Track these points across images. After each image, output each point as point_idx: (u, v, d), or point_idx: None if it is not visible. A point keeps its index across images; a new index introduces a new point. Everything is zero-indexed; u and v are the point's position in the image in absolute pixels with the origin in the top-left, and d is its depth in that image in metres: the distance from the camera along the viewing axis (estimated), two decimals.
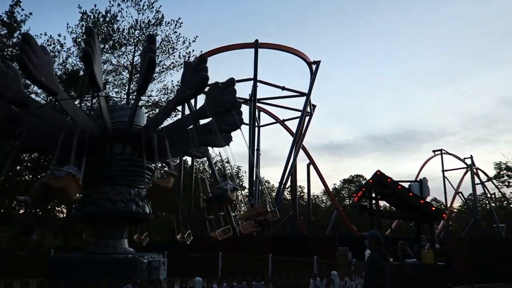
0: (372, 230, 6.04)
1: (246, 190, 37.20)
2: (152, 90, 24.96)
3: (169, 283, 5.08)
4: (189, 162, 30.03)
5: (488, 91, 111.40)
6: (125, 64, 22.60)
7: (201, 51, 24.54)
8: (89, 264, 8.28)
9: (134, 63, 22.07)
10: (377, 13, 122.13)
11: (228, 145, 9.63)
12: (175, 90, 21.87)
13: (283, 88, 26.12)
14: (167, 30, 23.00)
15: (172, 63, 23.16)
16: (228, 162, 42.34)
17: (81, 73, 19.82)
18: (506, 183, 35.93)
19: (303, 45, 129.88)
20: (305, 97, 26.58)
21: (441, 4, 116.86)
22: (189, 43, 22.79)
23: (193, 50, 23.34)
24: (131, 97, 21.28)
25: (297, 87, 27.06)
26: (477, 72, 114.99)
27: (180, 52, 22.91)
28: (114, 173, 9.39)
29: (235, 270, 13.81)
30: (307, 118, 27.29)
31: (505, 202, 42.31)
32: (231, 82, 9.79)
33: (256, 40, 25.04)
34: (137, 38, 22.19)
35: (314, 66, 27.15)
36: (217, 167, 36.64)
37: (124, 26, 22.91)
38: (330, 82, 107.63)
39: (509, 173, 35.09)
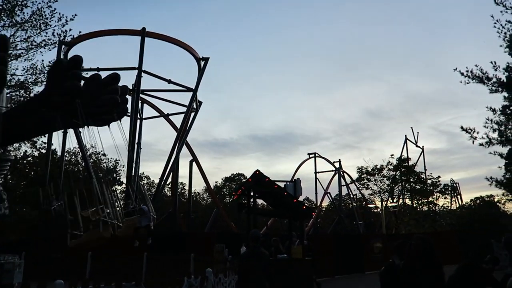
0: (253, 229, 6.37)
1: (123, 186, 35.41)
2: (17, 68, 22.09)
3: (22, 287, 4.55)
4: (58, 153, 27.36)
5: (356, 102, 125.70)
6: None
7: (80, 32, 22.60)
8: None
9: None
10: (264, 17, 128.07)
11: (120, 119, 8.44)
12: (46, 72, 19.67)
13: (169, 81, 25.53)
14: (39, 3, 20.58)
15: (44, 40, 20.78)
16: (104, 154, 39.83)
17: None
18: (365, 186, 41.07)
19: (193, 39, 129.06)
20: (191, 93, 26.43)
21: (323, 17, 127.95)
22: (66, 20, 20.72)
23: (70, 29, 21.28)
24: None
25: (184, 81, 26.85)
26: (348, 83, 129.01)
27: (54, 30, 20.67)
28: None
29: (107, 271, 13.03)
30: (192, 114, 27.15)
31: (364, 202, 48.19)
32: (115, 78, 8.56)
33: (143, 28, 24.03)
34: (0, 7, 19.34)
35: (202, 63, 27.19)
36: (91, 160, 34.04)
37: None
38: (217, 80, 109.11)
39: (369, 176, 40.18)
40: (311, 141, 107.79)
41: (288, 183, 16.45)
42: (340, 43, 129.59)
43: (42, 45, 20.64)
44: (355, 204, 48.62)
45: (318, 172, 45.86)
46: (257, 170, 12.30)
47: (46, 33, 20.61)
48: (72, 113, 6.61)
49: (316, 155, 46.57)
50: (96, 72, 8.84)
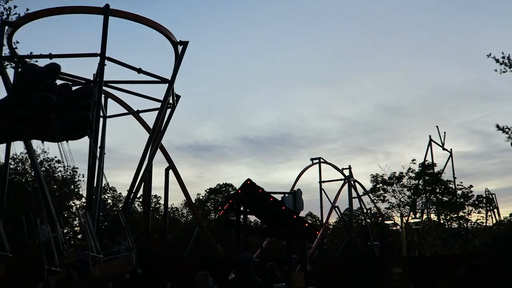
0: (243, 252, 6.43)
1: (83, 200, 35.30)
2: None
3: None
4: (1, 159, 27.25)
5: (368, 96, 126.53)
6: None
7: (27, 9, 22.55)
8: None
9: None
10: None
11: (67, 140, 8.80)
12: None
13: (139, 71, 25.51)
14: None
15: None
16: (59, 161, 39.65)
17: None
18: (382, 198, 41.33)
19: (168, 20, 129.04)
20: (167, 85, 26.46)
21: None
22: None
23: (15, 6, 21.22)
24: None
25: (157, 71, 26.90)
26: (358, 73, 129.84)
27: None
28: None
29: None
30: (168, 110, 27.18)
31: (380, 218, 48.45)
32: (89, 90, 8.81)
33: (107, 5, 24.01)
34: None
35: (180, 48, 27.24)
36: (43, 168, 33.91)
37: None
38: (199, 69, 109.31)
39: (385, 186, 40.44)
40: (314, 144, 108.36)
41: (286, 195, 16.53)
42: (349, 24, 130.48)
43: None
44: (369, 220, 48.91)
45: (323, 182, 46.13)
46: (248, 180, 12.36)
47: None
48: (37, 128, 6.79)
49: (321, 160, 46.76)
50: (66, 82, 8.89)
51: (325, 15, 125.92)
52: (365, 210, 48.88)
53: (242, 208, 12.63)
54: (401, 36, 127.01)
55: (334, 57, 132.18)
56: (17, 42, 23.70)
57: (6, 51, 24.06)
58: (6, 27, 23.30)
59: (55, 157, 34.85)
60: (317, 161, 46.52)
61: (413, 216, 39.29)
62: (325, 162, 47.29)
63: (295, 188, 32.71)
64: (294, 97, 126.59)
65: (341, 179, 47.04)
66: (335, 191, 49.06)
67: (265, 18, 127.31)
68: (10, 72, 23.57)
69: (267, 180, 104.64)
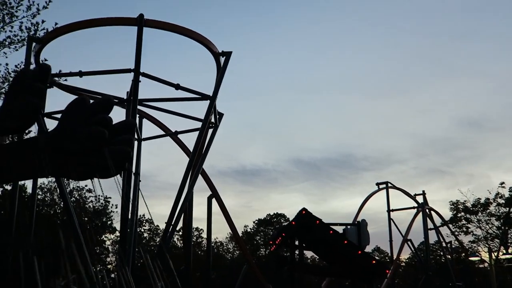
0: None
1: (117, 234, 36.02)
2: None
3: None
4: (29, 189, 28.33)
5: (445, 107, 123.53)
6: None
7: (56, 24, 23.65)
8: None
9: None
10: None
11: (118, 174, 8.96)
12: (11, 78, 20.66)
13: (177, 87, 25.94)
14: None
15: (9, 37, 21.93)
16: (90, 190, 40.83)
17: None
18: (464, 229, 39.78)
19: (206, 29, 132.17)
20: (208, 102, 26.79)
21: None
22: (38, 9, 21.84)
23: (42, 21, 22.38)
24: None
25: (197, 86, 27.19)
26: (432, 81, 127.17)
27: (22, 23, 21.81)
28: None
29: None
30: (210, 131, 27.46)
31: (463, 254, 46.65)
32: (131, 125, 8.82)
33: (141, 15, 24.73)
34: None
35: (222, 59, 27.59)
36: (73, 198, 34.96)
37: None
38: (242, 82, 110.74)
39: (468, 215, 38.96)
40: (380, 166, 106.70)
41: (349, 227, 16.24)
42: (418, 22, 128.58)
43: (6, 43, 21.79)
44: (449, 256, 47.45)
45: (392, 210, 45.30)
46: (304, 209, 12.23)
47: (12, 27, 21.75)
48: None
49: (389, 185, 46.07)
50: (83, 94, 9.11)
51: (388, 13, 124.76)
52: (444, 244, 47.46)
53: (296, 243, 12.50)
54: (484, 36, 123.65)
55: (402, 62, 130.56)
56: (45, 60, 24.76)
57: None
58: (34, 44, 24.45)
59: (86, 185, 35.99)
60: (384, 186, 45.78)
61: (504, 252, 37.72)
62: (394, 187, 46.42)
63: (359, 219, 32.09)
64: (355, 111, 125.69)
65: (413, 207, 45.96)
66: (406, 222, 47.91)
67: (316, 19, 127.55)
68: None
69: (325, 209, 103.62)
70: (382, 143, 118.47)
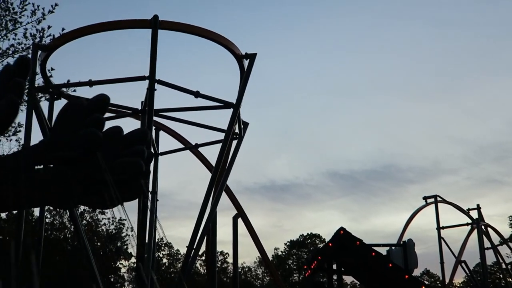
0: None
1: (133, 260, 36.21)
2: None
3: None
4: (36, 212, 28.75)
5: (501, 109, 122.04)
6: None
7: (63, 29, 24.05)
8: None
9: None
10: None
11: (122, 204, 8.85)
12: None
13: (196, 95, 26.11)
14: None
15: (13, 45, 22.42)
16: (103, 212, 41.19)
17: None
18: None
19: (226, 29, 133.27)
20: (231, 110, 26.91)
21: None
22: (43, 14, 22.28)
23: (48, 27, 22.81)
24: None
25: (219, 93, 27.27)
26: (485, 79, 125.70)
27: (26, 29, 22.30)
28: None
29: None
30: (234, 142, 27.55)
31: None
32: (143, 134, 8.06)
33: (155, 16, 24.99)
34: None
35: (246, 62, 27.70)
36: (84, 221, 35.33)
37: None
38: (269, 88, 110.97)
39: None
40: (427, 177, 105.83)
41: (393, 247, 16.11)
42: (468, 12, 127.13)
43: (10, 52, 22.27)
44: (510, 279, 46.63)
45: (443, 228, 44.92)
46: (341, 228, 12.19)
47: (15, 34, 22.23)
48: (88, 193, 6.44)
49: (438, 199, 45.79)
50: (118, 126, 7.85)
51: (433, 2, 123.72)
52: (504, 266, 46.78)
53: (334, 267, 12.44)
54: None
55: (450, 58, 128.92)
56: (52, 69, 25.14)
57: (39, 80, 25.66)
58: (39, 52, 24.92)
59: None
60: (432, 200, 45.53)
61: None
62: (444, 201, 46.14)
63: (405, 238, 31.76)
64: (397, 115, 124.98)
65: (467, 224, 45.75)
66: (459, 241, 47.46)
67: (349, 11, 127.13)
68: (44, 105, 25.02)
69: (366, 228, 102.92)
70: (429, 151, 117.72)
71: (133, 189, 7.14)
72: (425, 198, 46.42)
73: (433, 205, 45.53)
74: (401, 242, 15.47)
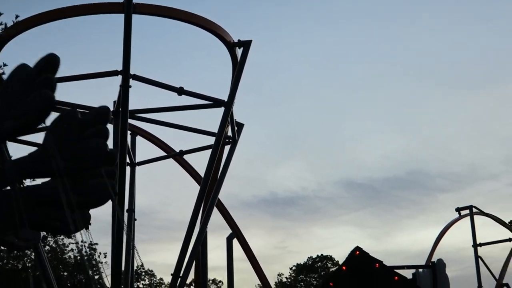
0: None
1: None
2: None
3: None
4: None
5: None
6: None
7: (17, 17, 24.21)
8: None
9: None
10: None
11: (87, 227, 9.09)
12: None
13: (180, 92, 26.21)
14: None
15: None
16: (77, 243, 41.22)
17: None
18: None
19: (218, 16, 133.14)
20: (222, 109, 27.03)
21: None
22: None
23: (0, 14, 22.93)
24: None
25: (207, 89, 27.36)
26: None
27: None
28: None
29: None
30: (227, 147, 27.69)
31: None
32: (103, 112, 8.66)
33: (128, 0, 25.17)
34: None
35: (239, 51, 27.75)
36: (47, 247, 35.40)
37: None
38: (269, 82, 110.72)
39: None
40: (461, 184, 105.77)
41: (421, 270, 16.29)
42: None
43: None
44: None
45: (480, 245, 44.81)
46: (357, 248, 12.35)
47: None
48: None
49: (474, 210, 45.65)
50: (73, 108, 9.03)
51: None
52: None
53: None
54: None
55: (491, 43, 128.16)
56: (5, 65, 25.13)
57: None
58: None
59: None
60: (467, 211, 45.37)
61: None
62: (482, 212, 46.10)
63: (434, 259, 31.76)
64: (425, 111, 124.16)
65: (509, 239, 45.61)
66: (501, 260, 47.79)
67: None
68: None
69: (388, 246, 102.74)
70: (465, 153, 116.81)
71: (97, 187, 7.31)
72: (458, 209, 46.30)
73: (468, 217, 45.49)
74: (430, 263, 15.61)
